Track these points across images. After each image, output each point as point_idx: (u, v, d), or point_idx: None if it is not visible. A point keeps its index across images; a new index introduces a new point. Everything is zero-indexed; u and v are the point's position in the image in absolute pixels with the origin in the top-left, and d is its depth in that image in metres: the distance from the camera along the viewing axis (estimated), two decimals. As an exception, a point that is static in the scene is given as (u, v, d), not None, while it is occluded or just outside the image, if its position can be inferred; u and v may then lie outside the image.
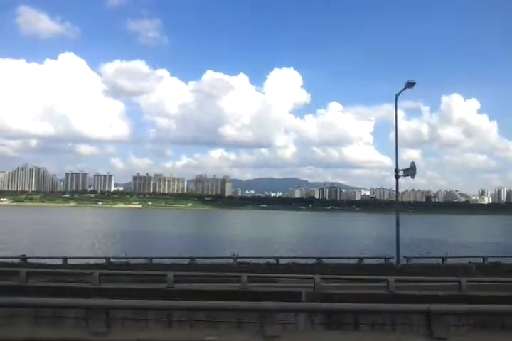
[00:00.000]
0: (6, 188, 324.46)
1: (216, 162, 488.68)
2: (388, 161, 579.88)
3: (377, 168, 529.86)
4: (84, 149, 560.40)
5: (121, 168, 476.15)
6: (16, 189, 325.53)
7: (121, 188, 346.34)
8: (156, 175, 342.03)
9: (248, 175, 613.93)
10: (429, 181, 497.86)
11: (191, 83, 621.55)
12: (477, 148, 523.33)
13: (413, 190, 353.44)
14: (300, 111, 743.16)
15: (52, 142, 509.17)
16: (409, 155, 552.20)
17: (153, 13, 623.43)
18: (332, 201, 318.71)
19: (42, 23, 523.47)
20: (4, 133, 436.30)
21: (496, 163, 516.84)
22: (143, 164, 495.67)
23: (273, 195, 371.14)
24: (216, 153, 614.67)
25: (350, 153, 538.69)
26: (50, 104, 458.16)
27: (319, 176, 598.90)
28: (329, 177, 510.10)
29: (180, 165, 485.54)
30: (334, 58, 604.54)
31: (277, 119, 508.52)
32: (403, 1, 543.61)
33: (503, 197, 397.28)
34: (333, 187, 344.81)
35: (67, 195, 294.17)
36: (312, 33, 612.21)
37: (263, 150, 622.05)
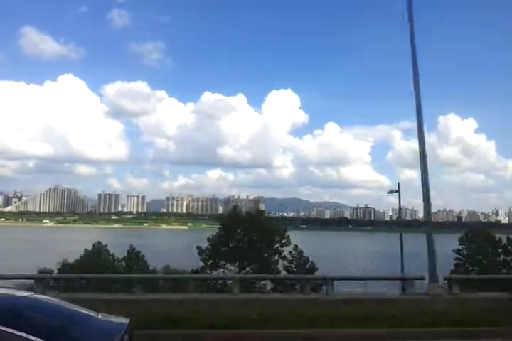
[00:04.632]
0: (37, 209, 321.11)
1: (214, 182, 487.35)
2: (386, 181, 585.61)
3: (375, 187, 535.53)
4: (83, 169, 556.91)
5: (118, 189, 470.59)
6: (47, 210, 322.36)
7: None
8: (188, 195, 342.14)
9: (246, 195, 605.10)
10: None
11: (189, 104, 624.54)
12: (475, 168, 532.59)
13: (445, 209, 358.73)
14: (298, 132, 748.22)
15: (51, 162, 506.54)
16: (407, 175, 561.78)
17: (156, 36, 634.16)
18: (368, 221, 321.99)
19: (45, 45, 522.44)
20: (3, 154, 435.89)
21: (494, 182, 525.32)
22: (140, 184, 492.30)
23: (285, 215, 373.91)
24: (214, 174, 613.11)
25: (349, 173, 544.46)
26: (50, 125, 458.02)
27: (318, 196, 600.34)
28: (327, 197, 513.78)
29: (178, 186, 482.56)
30: (331, 79, 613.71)
31: (276, 140, 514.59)
32: (397, 21, 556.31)
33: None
34: (367, 208, 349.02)
35: (114, 217, 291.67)
36: (309, 55, 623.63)
37: (261, 170, 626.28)
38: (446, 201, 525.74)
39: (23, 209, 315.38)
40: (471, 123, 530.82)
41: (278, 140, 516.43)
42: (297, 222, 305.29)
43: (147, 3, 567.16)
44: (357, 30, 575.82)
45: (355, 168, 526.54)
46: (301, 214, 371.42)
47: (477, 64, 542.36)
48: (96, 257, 20.88)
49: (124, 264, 21.52)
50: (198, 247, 22.00)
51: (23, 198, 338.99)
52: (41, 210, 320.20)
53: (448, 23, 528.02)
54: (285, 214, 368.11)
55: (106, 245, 22.54)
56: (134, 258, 21.73)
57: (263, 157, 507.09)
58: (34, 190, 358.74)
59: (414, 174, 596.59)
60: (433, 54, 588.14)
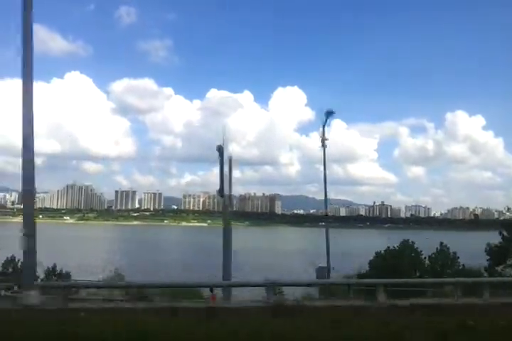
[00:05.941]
0: (55, 206, 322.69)
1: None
2: (392, 178, 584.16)
3: (381, 184, 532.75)
4: (90, 166, 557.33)
5: (125, 186, 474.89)
6: (64, 207, 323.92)
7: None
8: (204, 192, 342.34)
9: (262, 193, 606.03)
10: (433, 198, 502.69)
11: (196, 101, 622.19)
12: (483, 165, 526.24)
13: (461, 207, 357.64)
14: (305, 129, 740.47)
15: (58, 160, 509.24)
16: (414, 172, 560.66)
17: (163, 33, 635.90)
18: (385, 219, 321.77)
19: (53, 43, 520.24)
20: (11, 151, 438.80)
21: (502, 180, 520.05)
22: (147, 181, 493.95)
23: (296, 212, 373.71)
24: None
25: (355, 170, 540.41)
26: (57, 122, 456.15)
27: (324, 193, 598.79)
28: (333, 195, 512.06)
29: (184, 183, 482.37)
30: (338, 77, 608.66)
31: (282, 137, 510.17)
32: (405, 18, 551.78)
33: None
34: (383, 205, 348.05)
35: (134, 214, 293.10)
36: (316, 52, 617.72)
37: (267, 167, 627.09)
38: (455, 198, 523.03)
39: (41, 206, 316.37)
40: (479, 120, 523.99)
41: (284, 137, 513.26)
42: (317, 220, 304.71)
43: (154, 1, 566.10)
44: (361, 28, 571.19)
45: (361, 165, 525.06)
46: (312, 211, 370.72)
47: (485, 60, 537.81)
48: (400, 256, 20.65)
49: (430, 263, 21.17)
50: (488, 244, 22.01)
51: (38, 195, 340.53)
52: (58, 207, 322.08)
53: (453, 20, 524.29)
54: (295, 212, 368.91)
55: (413, 243, 22.46)
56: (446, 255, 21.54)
57: (269, 154, 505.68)
58: (42, 187, 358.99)
59: (421, 171, 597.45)
60: (440, 51, 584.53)
